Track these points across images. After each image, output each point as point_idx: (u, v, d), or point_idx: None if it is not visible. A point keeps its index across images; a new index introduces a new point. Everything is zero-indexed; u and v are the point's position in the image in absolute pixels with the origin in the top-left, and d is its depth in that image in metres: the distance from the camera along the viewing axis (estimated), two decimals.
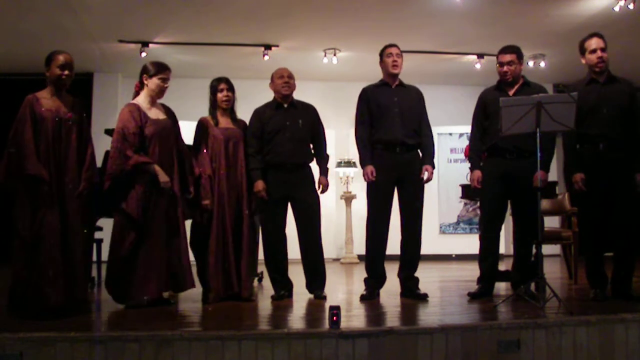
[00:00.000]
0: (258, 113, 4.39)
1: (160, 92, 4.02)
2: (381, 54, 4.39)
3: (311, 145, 4.43)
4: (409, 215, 4.27)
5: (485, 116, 4.26)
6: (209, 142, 4.20)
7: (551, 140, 4.15)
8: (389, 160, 4.24)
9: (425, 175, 4.29)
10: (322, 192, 4.40)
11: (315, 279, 4.36)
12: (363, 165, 4.27)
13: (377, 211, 4.27)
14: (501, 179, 4.16)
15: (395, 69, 4.30)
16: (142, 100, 4.01)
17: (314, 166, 4.44)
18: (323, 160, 4.45)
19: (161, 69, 4.01)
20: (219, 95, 4.26)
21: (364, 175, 4.25)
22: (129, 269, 3.82)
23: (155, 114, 4.00)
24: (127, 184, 3.83)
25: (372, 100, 4.33)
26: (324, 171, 4.43)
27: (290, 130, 4.28)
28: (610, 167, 3.91)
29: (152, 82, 3.99)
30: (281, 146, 4.26)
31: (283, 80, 4.33)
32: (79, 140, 3.64)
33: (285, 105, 4.37)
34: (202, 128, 4.25)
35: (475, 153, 4.34)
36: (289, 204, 4.34)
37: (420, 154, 4.36)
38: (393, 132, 4.23)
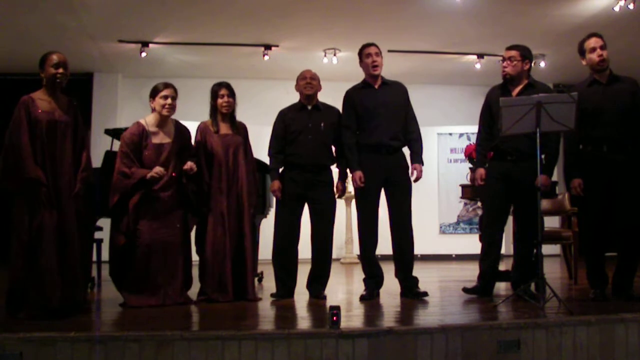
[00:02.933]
0: (282, 114, 4.42)
1: (165, 109, 4.04)
2: (360, 54, 4.34)
3: (333, 148, 4.43)
4: (399, 216, 4.26)
5: (491, 116, 4.23)
6: (208, 150, 4.21)
7: (555, 143, 4.12)
8: (375, 163, 4.23)
9: (414, 175, 4.24)
10: (339, 196, 4.41)
11: (319, 279, 4.38)
12: (351, 170, 4.27)
13: (367, 214, 4.28)
14: (502, 180, 4.15)
15: (375, 70, 4.27)
16: (150, 119, 4.09)
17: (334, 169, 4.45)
18: (342, 164, 4.43)
19: (161, 87, 4.08)
20: (220, 100, 4.26)
21: (352, 181, 4.26)
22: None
23: (159, 138, 4.05)
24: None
25: (358, 103, 4.31)
26: (341, 175, 4.42)
27: (311, 132, 4.29)
28: (612, 169, 3.90)
29: (156, 103, 4.07)
30: (301, 148, 4.27)
31: (305, 82, 4.34)
32: (74, 141, 3.63)
33: (309, 107, 4.37)
34: (201, 135, 4.25)
35: (480, 152, 4.34)
36: (306, 205, 4.35)
37: (407, 154, 4.33)
38: (378, 135, 4.22)
